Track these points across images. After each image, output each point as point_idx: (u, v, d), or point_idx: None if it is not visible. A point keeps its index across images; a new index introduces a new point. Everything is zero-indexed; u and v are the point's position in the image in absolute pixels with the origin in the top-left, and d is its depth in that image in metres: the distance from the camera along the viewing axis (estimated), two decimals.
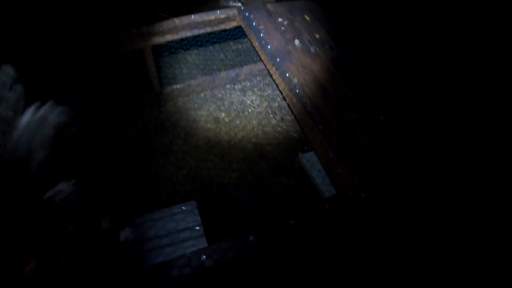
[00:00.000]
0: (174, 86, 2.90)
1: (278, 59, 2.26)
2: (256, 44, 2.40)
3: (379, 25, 2.76)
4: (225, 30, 2.74)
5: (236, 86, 3.08)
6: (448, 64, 2.47)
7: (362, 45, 2.53)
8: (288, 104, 2.20)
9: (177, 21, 2.55)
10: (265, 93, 3.07)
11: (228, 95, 3.03)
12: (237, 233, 1.62)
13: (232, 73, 3.04)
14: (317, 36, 2.50)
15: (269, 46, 2.34)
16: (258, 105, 2.97)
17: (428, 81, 2.46)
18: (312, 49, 2.39)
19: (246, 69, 3.06)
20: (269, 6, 2.68)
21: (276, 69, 2.23)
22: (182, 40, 2.73)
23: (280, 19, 2.56)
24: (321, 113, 2.05)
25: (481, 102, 2.29)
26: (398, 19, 2.78)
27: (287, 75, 2.19)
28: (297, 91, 2.11)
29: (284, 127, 2.85)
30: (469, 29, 2.46)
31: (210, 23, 2.62)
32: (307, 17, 2.65)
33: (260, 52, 2.37)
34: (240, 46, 3.44)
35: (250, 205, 2.33)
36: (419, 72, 2.49)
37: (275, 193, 2.44)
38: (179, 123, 2.80)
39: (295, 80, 2.16)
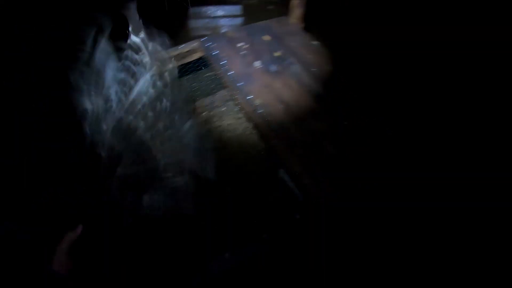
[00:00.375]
0: None
1: (239, 84, 2.40)
2: (218, 72, 2.55)
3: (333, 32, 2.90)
4: (190, 62, 2.89)
5: (212, 113, 3.22)
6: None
7: (320, 54, 2.67)
8: (253, 125, 2.32)
9: None
10: (241, 115, 3.20)
11: (206, 123, 3.16)
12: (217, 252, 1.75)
13: (206, 101, 3.18)
14: (277, 54, 2.65)
15: (230, 72, 2.48)
16: (236, 128, 3.09)
17: (394, 84, 2.58)
18: (272, 68, 2.53)
19: (219, 95, 3.20)
20: (229, 33, 2.84)
21: (239, 93, 2.36)
22: None
23: (240, 44, 2.72)
24: (285, 128, 2.17)
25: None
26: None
27: (249, 97, 2.32)
28: (259, 111, 2.24)
29: (263, 145, 2.97)
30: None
31: (175, 58, 2.77)
32: (267, 38, 2.80)
33: (223, 79, 2.51)
34: (212, 72, 3.59)
35: (230, 225, 2.43)
36: (381, 78, 2.61)
37: (258, 210, 2.53)
38: None
39: (257, 101, 2.30)
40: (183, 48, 2.76)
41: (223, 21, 3.86)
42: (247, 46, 2.70)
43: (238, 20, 3.87)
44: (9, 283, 1.22)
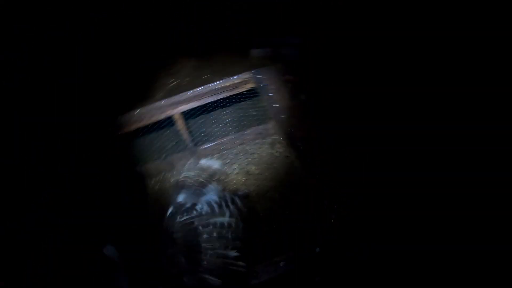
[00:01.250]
0: (207, 145, 3.26)
1: (282, 116, 2.51)
2: (265, 103, 2.68)
3: None
4: (244, 92, 3.06)
5: (265, 140, 3.36)
6: None
7: None
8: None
9: (199, 89, 2.96)
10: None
11: (258, 149, 3.31)
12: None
13: (260, 128, 3.33)
14: None
15: (275, 104, 2.61)
16: (287, 157, 3.19)
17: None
18: None
19: (272, 123, 3.33)
20: (279, 65, 2.97)
21: (279, 126, 2.47)
22: (208, 104, 3.12)
23: (288, 76, 2.84)
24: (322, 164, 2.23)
25: None
26: None
27: (291, 130, 2.42)
28: (298, 144, 2.33)
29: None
30: None
31: (226, 88, 2.97)
32: None
33: (268, 111, 2.64)
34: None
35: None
36: None
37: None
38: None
39: (298, 134, 2.39)
40: (235, 79, 2.95)
41: (284, 51, 3.99)
42: (294, 78, 2.81)
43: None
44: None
